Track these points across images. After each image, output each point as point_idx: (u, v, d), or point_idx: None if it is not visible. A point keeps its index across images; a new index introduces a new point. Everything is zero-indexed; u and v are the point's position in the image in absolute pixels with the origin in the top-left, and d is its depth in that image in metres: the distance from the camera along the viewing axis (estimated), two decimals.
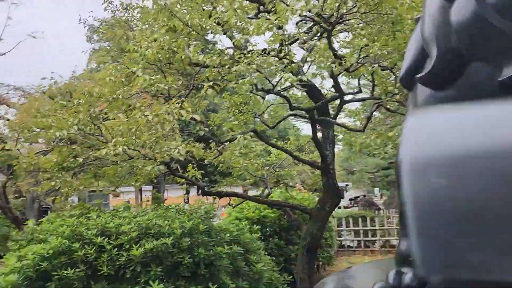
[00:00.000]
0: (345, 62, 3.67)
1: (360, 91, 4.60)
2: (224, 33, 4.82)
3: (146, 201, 10.15)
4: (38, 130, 5.12)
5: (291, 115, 6.31)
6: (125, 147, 3.61)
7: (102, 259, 3.43)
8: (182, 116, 3.24)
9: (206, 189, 5.54)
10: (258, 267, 4.01)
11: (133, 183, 5.95)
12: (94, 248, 3.49)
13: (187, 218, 3.87)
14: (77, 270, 3.42)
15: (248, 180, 6.57)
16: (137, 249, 3.40)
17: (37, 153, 5.23)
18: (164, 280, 3.42)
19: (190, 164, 6.22)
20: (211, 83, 3.42)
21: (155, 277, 3.38)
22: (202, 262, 3.60)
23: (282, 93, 5.42)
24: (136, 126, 4.04)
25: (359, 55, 4.31)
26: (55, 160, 4.47)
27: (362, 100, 5.27)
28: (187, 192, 25.13)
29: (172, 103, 3.35)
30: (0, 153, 9.26)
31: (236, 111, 6.14)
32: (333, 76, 4.28)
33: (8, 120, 11.34)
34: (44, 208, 11.99)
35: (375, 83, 4.60)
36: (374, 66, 3.72)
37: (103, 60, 4.42)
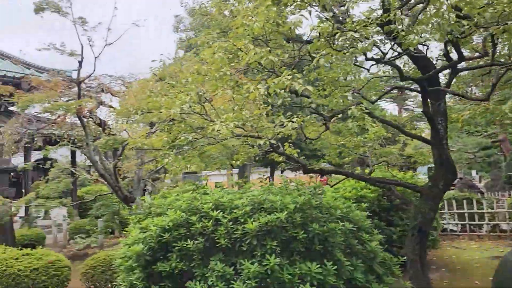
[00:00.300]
0: (472, 21, 3.28)
1: (486, 54, 4.11)
2: (323, 6, 4.62)
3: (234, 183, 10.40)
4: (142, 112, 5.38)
5: (395, 88, 5.94)
6: (236, 123, 3.61)
7: (219, 232, 3.51)
8: (296, 88, 3.16)
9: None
10: (372, 246, 3.84)
11: (233, 162, 6.05)
12: (211, 221, 3.58)
13: (298, 194, 3.81)
14: (196, 242, 3.55)
15: (346, 158, 6.36)
16: (252, 223, 3.42)
17: (149, 133, 5.55)
18: (279, 255, 3.40)
19: (286, 143, 6.19)
20: (323, 52, 3.28)
21: (271, 251, 3.37)
22: (316, 238, 3.52)
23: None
24: (242, 103, 4.04)
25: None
26: (166, 138, 4.67)
27: (481, 67, 4.74)
28: (272, 174, 25.50)
29: (284, 76, 3.27)
30: (107, 138, 10.08)
31: (332, 88, 5.92)
32: (451, 41, 3.88)
33: (111, 107, 12.26)
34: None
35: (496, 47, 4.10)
36: (507, 23, 3.28)
37: (206, 40, 4.48)
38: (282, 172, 21.79)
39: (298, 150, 6.18)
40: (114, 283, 4.35)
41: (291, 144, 6.28)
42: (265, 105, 5.83)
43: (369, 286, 3.69)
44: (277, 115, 3.55)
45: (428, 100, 4.91)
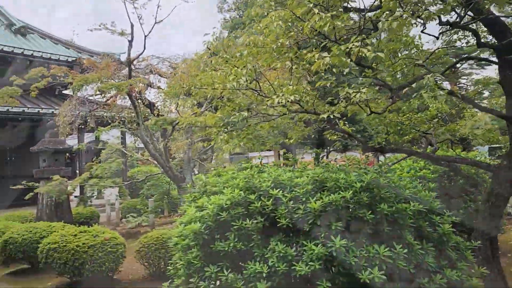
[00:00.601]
0: None
1: None
2: None
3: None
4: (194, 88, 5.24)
5: (466, 58, 5.46)
6: (296, 96, 3.39)
7: (279, 211, 3.34)
8: (365, 54, 2.88)
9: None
10: (444, 228, 3.53)
11: (286, 140, 5.85)
12: (270, 200, 3.41)
13: (363, 172, 3.56)
14: (255, 221, 3.40)
15: (406, 137, 5.98)
16: (314, 202, 3.22)
17: (202, 111, 5.47)
18: (344, 236, 3.18)
19: (341, 121, 5.89)
20: (398, 14, 2.96)
21: (336, 232, 3.16)
22: (385, 219, 3.27)
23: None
24: (301, 75, 3.80)
25: None
26: (220, 115, 4.53)
27: None
28: (317, 154, 25.13)
29: (353, 41, 3.00)
30: (156, 118, 10.16)
31: (391, 61, 5.53)
32: None
33: (159, 88, 12.36)
34: None
35: None
36: None
37: (262, 11, 4.25)
38: (328, 153, 21.38)
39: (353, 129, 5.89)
40: (170, 261, 4.31)
41: (346, 123, 5.98)
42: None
43: (440, 271, 3.41)
44: (343, 86, 3.28)
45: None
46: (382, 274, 3.00)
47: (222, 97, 5.37)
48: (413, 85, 3.60)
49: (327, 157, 17.43)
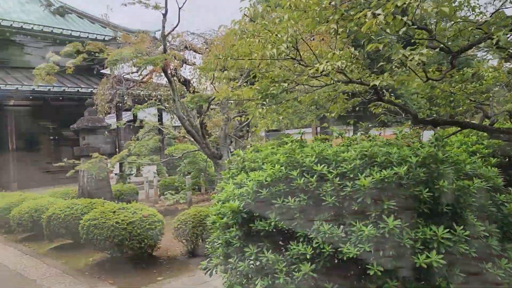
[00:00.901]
0: None
1: None
2: None
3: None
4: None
5: None
6: (343, 62, 3.06)
7: (324, 188, 3.07)
8: (425, 11, 2.52)
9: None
10: (511, 208, 3.16)
11: (327, 114, 5.52)
12: (314, 176, 3.14)
13: (418, 145, 3.22)
14: (297, 199, 3.15)
15: (460, 108, 5.50)
16: (364, 179, 2.93)
17: (239, 85, 5.25)
18: (398, 216, 2.88)
19: (387, 92, 5.50)
20: None
21: (388, 212, 2.87)
22: (444, 197, 2.94)
23: None
24: (348, 40, 3.46)
25: None
26: (257, 88, 4.26)
27: None
28: (356, 127, 24.44)
29: None
30: (192, 95, 10.03)
31: (444, 26, 5.04)
32: None
33: (194, 64, 12.20)
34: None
35: None
36: None
37: None
38: (367, 128, 20.71)
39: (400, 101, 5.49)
40: (207, 240, 4.17)
41: (392, 94, 5.59)
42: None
43: (504, 255, 3.06)
44: (396, 48, 2.91)
45: None
46: (441, 258, 2.71)
47: (260, 69, 5.11)
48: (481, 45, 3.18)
49: (366, 133, 16.80)
